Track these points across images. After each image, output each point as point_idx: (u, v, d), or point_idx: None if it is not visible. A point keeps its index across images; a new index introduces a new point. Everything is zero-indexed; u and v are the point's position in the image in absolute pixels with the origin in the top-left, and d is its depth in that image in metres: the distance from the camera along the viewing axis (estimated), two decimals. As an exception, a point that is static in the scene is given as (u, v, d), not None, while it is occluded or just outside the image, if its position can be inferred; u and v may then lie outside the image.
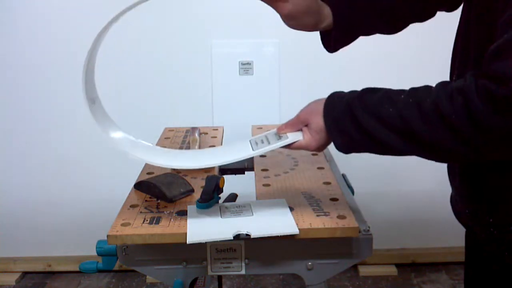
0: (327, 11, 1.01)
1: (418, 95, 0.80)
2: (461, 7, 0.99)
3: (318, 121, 0.92)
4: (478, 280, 1.05)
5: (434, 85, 0.81)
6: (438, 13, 1.10)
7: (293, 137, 0.98)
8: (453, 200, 1.04)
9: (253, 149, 1.01)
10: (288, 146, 0.98)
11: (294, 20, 0.99)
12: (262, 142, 1.02)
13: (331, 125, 0.89)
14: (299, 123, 0.97)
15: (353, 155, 0.91)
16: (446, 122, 0.75)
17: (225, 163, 1.06)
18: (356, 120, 0.84)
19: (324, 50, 1.10)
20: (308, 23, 1.00)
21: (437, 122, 0.76)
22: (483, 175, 0.89)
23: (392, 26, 1.08)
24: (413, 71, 2.24)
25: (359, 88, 0.91)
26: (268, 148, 0.99)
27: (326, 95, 0.95)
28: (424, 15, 1.08)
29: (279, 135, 1.01)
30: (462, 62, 0.92)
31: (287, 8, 0.97)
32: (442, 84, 0.80)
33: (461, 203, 0.98)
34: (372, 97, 0.84)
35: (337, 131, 0.88)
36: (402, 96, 0.82)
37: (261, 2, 0.98)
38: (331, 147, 1.62)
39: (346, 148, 0.89)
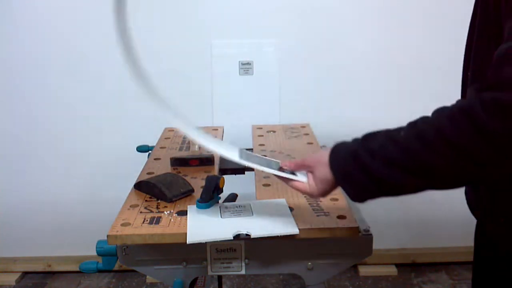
0: None
1: (418, 128, 0.78)
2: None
3: (324, 172, 0.89)
4: (486, 275, 1.05)
5: (431, 112, 0.79)
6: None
7: (300, 176, 0.96)
8: (468, 194, 1.03)
9: (240, 157, 0.99)
10: (289, 183, 0.97)
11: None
12: (259, 162, 1.00)
13: (341, 177, 0.86)
14: (304, 166, 0.96)
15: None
16: (454, 146, 0.73)
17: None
18: (364, 168, 0.81)
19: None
20: None
21: (445, 149, 0.73)
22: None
23: None
24: (412, 71, 2.25)
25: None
26: (268, 170, 0.98)
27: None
28: None
29: (281, 168, 0.98)
30: (477, 60, 0.90)
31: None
32: (439, 110, 0.77)
33: (475, 199, 0.98)
34: (374, 141, 0.82)
35: (348, 183, 0.85)
36: (402, 133, 0.79)
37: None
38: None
39: (360, 197, 0.87)
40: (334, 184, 0.89)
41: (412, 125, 0.79)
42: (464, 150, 0.72)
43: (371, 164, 0.80)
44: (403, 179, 0.79)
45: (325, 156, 0.89)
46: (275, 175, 0.98)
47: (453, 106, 0.75)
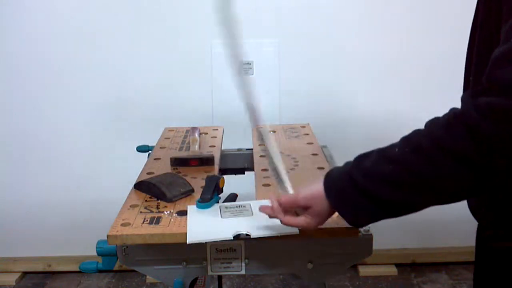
0: None
1: (412, 142, 0.75)
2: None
3: (321, 204, 0.86)
4: (487, 276, 1.04)
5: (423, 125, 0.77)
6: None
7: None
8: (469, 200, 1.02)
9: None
10: (284, 220, 0.93)
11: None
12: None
13: (336, 200, 0.83)
14: (297, 206, 0.91)
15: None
16: (453, 155, 0.70)
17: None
18: (359, 189, 0.79)
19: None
20: None
21: (444, 158, 0.71)
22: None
23: None
24: (414, 71, 2.25)
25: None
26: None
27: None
28: None
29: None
30: (478, 65, 0.89)
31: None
32: (432, 121, 0.76)
33: (476, 200, 0.98)
34: (367, 161, 0.80)
35: (343, 205, 0.83)
36: (397, 149, 0.77)
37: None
38: (331, 147, 1.63)
39: (358, 220, 0.84)
40: (329, 214, 0.88)
41: (406, 139, 0.77)
42: (463, 158, 0.70)
43: (367, 184, 0.78)
44: (402, 196, 0.76)
45: (319, 189, 0.86)
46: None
47: (446, 115, 0.74)
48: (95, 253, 1.09)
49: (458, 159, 0.71)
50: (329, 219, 1.03)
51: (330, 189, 0.84)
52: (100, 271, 1.14)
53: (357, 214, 0.82)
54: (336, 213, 1.06)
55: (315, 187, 0.87)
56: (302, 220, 0.91)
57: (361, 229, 1.05)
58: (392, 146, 0.78)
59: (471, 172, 0.71)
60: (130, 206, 1.13)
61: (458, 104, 0.77)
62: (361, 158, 0.82)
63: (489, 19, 0.84)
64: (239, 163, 1.64)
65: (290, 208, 0.92)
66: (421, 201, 0.77)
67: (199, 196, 1.13)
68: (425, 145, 0.73)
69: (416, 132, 0.76)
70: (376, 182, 0.77)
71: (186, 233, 0.99)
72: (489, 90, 0.69)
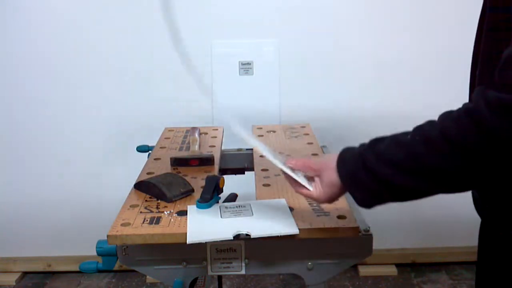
0: None
1: (423, 131, 0.78)
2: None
3: (330, 176, 0.89)
4: (490, 276, 1.04)
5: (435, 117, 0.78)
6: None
7: (307, 184, 0.93)
8: (474, 193, 1.03)
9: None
10: (296, 187, 0.96)
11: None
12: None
13: (347, 180, 0.86)
14: (310, 169, 0.94)
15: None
16: (457, 147, 0.73)
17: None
18: (370, 171, 0.81)
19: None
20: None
21: (449, 150, 0.73)
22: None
23: None
24: (415, 71, 2.25)
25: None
26: (278, 164, 0.96)
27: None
28: None
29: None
30: (484, 64, 0.90)
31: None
32: (445, 114, 0.77)
33: (481, 198, 0.98)
34: (380, 145, 0.82)
35: (354, 186, 0.85)
36: (409, 136, 0.79)
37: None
38: (331, 147, 1.63)
39: (367, 201, 0.86)
40: (340, 189, 0.89)
41: (418, 128, 0.79)
42: (468, 151, 0.72)
43: (377, 167, 0.80)
44: (409, 182, 0.78)
45: (332, 160, 0.88)
46: (284, 172, 0.96)
47: (458, 109, 0.75)
48: (95, 253, 1.09)
49: (463, 151, 0.72)
50: (329, 219, 1.04)
51: (342, 169, 0.86)
52: (100, 271, 1.14)
53: (365, 194, 0.85)
54: (337, 213, 1.06)
55: (329, 158, 0.90)
56: (312, 191, 0.93)
57: (361, 229, 1.05)
58: (406, 132, 0.81)
59: (475, 164, 0.73)
60: (130, 206, 1.13)
61: (460, 104, 0.77)
62: (375, 142, 0.84)
63: (497, 15, 0.84)
64: (239, 163, 1.65)
65: (304, 169, 0.94)
66: (427, 188, 0.80)
67: (199, 196, 1.13)
68: (433, 135, 0.75)
69: (429, 123, 0.79)
70: (386, 165, 0.80)
71: (186, 233, 0.99)
72: (500, 87, 0.70)
